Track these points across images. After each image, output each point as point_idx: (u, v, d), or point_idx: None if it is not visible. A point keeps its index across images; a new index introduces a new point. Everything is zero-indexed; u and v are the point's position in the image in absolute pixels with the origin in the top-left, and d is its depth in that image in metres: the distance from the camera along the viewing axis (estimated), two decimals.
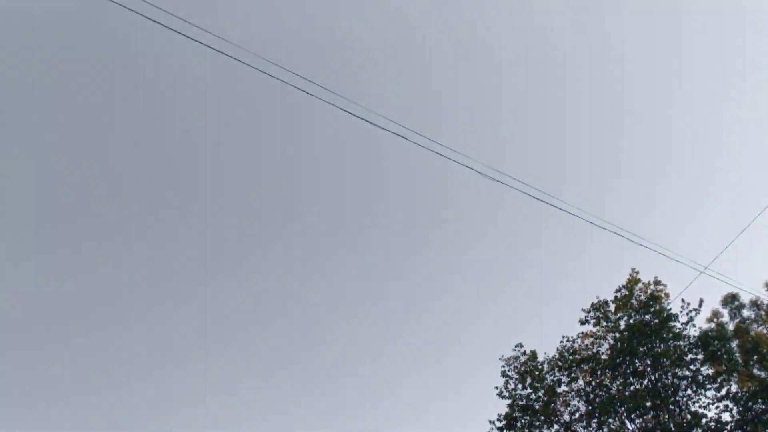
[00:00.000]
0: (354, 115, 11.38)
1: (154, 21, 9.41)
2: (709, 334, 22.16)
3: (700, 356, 21.72)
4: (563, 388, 22.80)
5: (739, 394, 21.18)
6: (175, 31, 9.68)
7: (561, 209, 15.92)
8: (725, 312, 24.98)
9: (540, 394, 22.93)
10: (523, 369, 23.20)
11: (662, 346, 21.71)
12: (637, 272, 23.11)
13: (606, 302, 23.06)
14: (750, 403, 20.78)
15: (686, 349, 21.80)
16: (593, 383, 22.45)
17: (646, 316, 22.23)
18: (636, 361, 21.91)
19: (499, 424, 23.26)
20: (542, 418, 22.75)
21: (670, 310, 22.17)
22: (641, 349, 21.78)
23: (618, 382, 22.15)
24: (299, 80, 10.78)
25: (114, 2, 9.03)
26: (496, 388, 23.63)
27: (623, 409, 21.64)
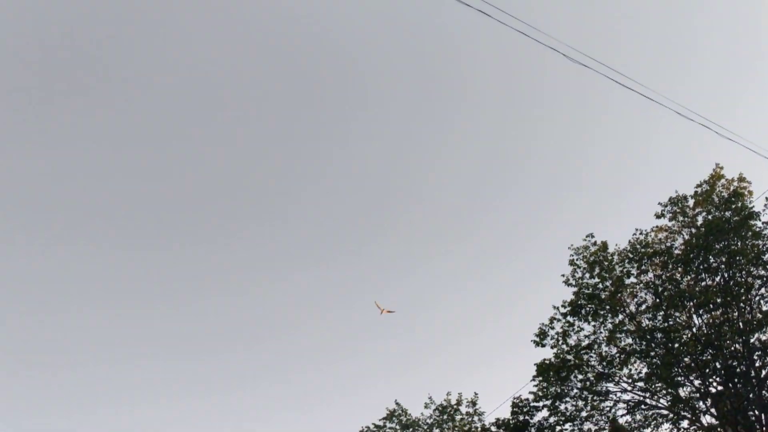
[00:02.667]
0: None
1: None
2: None
3: None
4: (632, 279, 22.78)
5: None
6: None
7: (647, 97, 15.27)
8: None
9: (607, 284, 23.01)
10: (592, 259, 23.17)
11: (740, 244, 21.17)
12: (721, 168, 22.24)
13: (685, 197, 22.44)
14: None
15: (765, 249, 21.27)
16: (663, 277, 22.32)
17: (726, 213, 21.60)
18: (710, 257, 21.54)
19: (563, 310, 23.69)
20: (607, 307, 22.99)
21: (752, 208, 21.42)
22: (717, 246, 21.30)
23: (689, 277, 21.97)
24: None
25: None
26: (563, 275, 23.83)
27: (692, 303, 21.63)
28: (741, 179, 21.90)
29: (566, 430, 23.87)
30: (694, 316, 21.73)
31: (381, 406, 28.38)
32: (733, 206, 21.46)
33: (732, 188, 21.80)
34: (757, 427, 19.73)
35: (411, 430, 27.74)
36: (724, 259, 21.34)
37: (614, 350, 22.91)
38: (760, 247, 21.21)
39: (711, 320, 21.34)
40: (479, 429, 27.01)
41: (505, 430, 24.80)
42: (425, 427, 27.67)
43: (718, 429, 20.49)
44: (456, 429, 27.35)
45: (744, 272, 21.24)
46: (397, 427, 27.89)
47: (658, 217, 22.74)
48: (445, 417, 27.55)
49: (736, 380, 20.40)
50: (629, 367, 22.71)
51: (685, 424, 21.44)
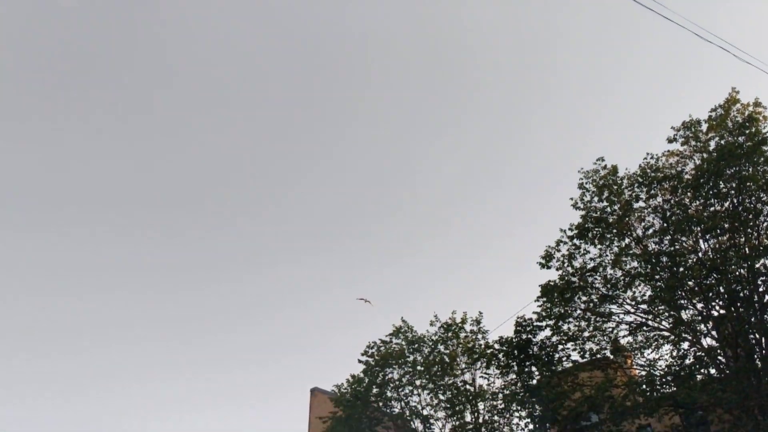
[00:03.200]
0: None
1: None
2: None
3: None
4: (640, 204, 22.76)
5: None
6: None
7: (663, 17, 14.83)
8: None
9: (615, 207, 23.02)
10: (601, 182, 23.08)
11: (751, 169, 20.99)
12: (737, 92, 21.78)
13: (698, 121, 22.10)
14: None
15: None
16: (672, 201, 22.28)
17: (739, 139, 21.32)
18: (720, 183, 21.41)
19: (570, 233, 23.80)
20: (614, 230, 23.07)
21: (766, 134, 21.11)
22: (728, 171, 21.13)
23: (698, 203, 21.92)
24: None
25: None
26: (572, 199, 23.83)
27: (699, 228, 21.65)
28: (757, 104, 21.49)
29: (568, 348, 24.46)
30: (701, 241, 21.80)
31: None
32: (747, 131, 21.15)
33: (747, 113, 21.44)
34: (757, 349, 20.17)
35: (416, 345, 28.40)
36: (734, 185, 21.21)
37: (619, 273, 23.15)
38: None
39: (717, 245, 21.43)
40: (483, 346, 27.67)
41: (508, 347, 25.41)
42: (430, 344, 28.32)
43: (718, 351, 20.95)
44: (460, 346, 28.01)
45: (753, 198, 21.16)
46: (403, 342, 28.54)
47: (670, 141, 22.49)
48: (449, 334, 28.16)
49: (738, 304, 20.67)
50: (633, 289, 23.00)
51: (685, 345, 21.90)
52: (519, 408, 25.75)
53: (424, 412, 27.75)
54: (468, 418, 26.77)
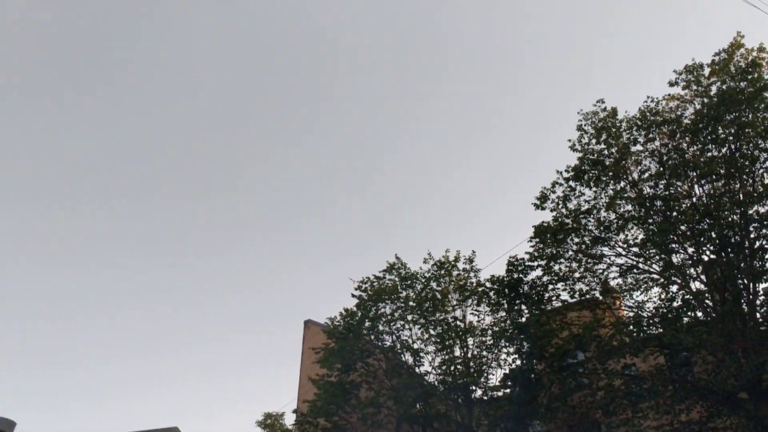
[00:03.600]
0: None
1: None
2: None
3: None
4: (638, 147, 22.72)
5: None
6: None
7: None
8: None
9: (613, 150, 23.00)
10: (600, 125, 22.98)
11: (751, 116, 20.90)
12: (742, 36, 21.48)
13: (701, 65, 21.85)
14: None
15: None
16: (669, 146, 22.23)
17: (741, 84, 21.14)
18: (719, 128, 21.34)
19: (566, 175, 23.83)
20: (610, 173, 23.10)
21: None
22: (727, 117, 21.02)
23: (695, 148, 21.89)
24: None
25: None
26: (569, 140, 23.75)
27: (695, 173, 21.69)
28: (761, 49, 21.23)
29: (558, 289, 24.77)
30: (696, 186, 21.86)
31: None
32: (749, 77, 20.96)
33: (750, 58, 21.20)
34: (744, 294, 20.49)
35: (409, 282, 28.76)
36: (732, 131, 21.14)
37: (612, 216, 23.27)
38: None
39: (712, 191, 21.50)
40: (474, 284, 28.05)
41: (499, 286, 25.75)
42: (423, 281, 28.67)
43: (706, 294, 21.28)
44: (452, 283, 28.38)
45: (751, 145, 21.12)
46: (396, 278, 28.88)
47: (671, 85, 22.28)
48: (442, 272, 28.49)
49: (729, 250, 20.88)
50: (626, 232, 23.18)
51: (674, 288, 22.17)
52: (507, 344, 26.33)
53: (415, 346, 28.34)
54: (457, 352, 27.38)
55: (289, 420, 36.91)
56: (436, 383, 27.72)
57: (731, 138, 21.20)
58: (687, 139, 21.90)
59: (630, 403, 21.78)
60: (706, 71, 21.75)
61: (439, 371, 27.42)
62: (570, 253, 24.11)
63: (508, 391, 25.59)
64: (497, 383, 26.31)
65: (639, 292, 23.21)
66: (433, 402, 27.40)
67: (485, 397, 26.88)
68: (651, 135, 22.37)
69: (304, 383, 34.12)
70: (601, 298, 24.17)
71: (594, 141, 23.25)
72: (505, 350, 26.82)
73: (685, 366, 23.12)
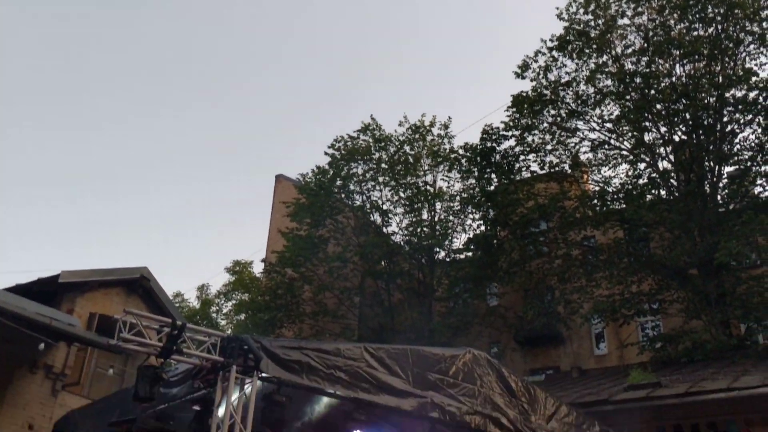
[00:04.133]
0: None
1: None
2: None
3: None
4: (625, 21, 22.35)
5: None
6: None
7: None
8: None
9: (600, 22, 22.59)
10: None
11: None
12: None
13: None
14: None
15: (765, 5, 20.66)
16: (657, 21, 21.87)
17: None
18: (709, 6, 20.97)
19: (550, 44, 23.46)
20: (594, 46, 22.80)
21: None
22: None
23: (682, 25, 21.59)
24: None
25: None
26: (557, 8, 23.21)
27: (678, 52, 21.50)
28: None
29: (529, 159, 24.98)
30: (677, 66, 21.74)
31: None
32: None
33: None
34: (709, 176, 20.97)
35: (383, 144, 28.69)
36: (721, 11, 20.82)
37: (591, 90, 23.20)
38: (761, 2, 20.60)
39: (693, 71, 21.42)
40: (447, 150, 28.18)
41: (472, 153, 25.89)
42: (397, 143, 28.64)
43: (672, 174, 21.74)
44: (426, 148, 28.45)
45: (738, 26, 20.90)
46: (371, 140, 28.79)
47: None
48: (416, 136, 28.44)
49: (700, 131, 21.14)
50: (602, 108, 23.24)
51: (642, 166, 22.57)
52: (474, 211, 26.92)
53: (384, 207, 28.77)
54: (425, 216, 27.93)
55: (258, 269, 37.78)
56: (402, 243, 28.45)
57: (719, 18, 20.92)
58: (675, 15, 21.58)
59: (585, 272, 22.65)
60: None
61: (406, 232, 28.08)
62: (545, 125, 24.20)
63: (470, 254, 26.41)
64: (460, 246, 27.13)
65: (607, 168, 23.66)
66: (397, 260, 28.21)
67: (448, 259, 27.78)
68: (640, 9, 21.94)
69: (273, 235, 34.61)
70: (569, 171, 24.53)
71: (582, 11, 22.76)
72: (471, 216, 27.47)
73: (642, 241, 23.91)
